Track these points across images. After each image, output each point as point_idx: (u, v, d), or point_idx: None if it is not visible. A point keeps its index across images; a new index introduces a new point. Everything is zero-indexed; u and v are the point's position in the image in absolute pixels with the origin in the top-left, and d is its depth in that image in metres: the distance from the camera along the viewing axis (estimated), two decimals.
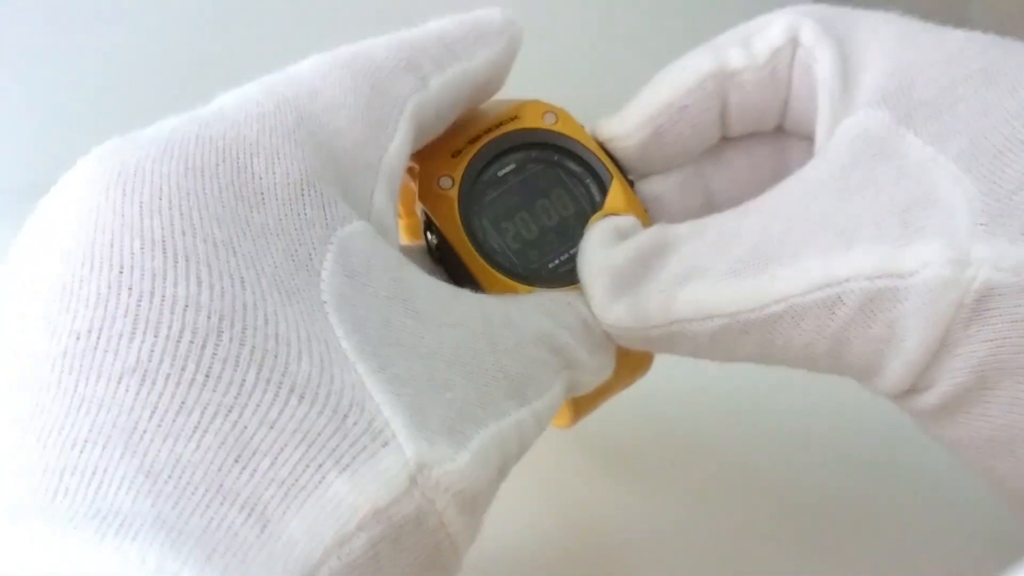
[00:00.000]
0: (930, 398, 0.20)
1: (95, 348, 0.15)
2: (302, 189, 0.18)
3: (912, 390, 0.20)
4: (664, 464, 0.29)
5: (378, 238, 0.19)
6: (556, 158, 0.24)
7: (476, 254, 0.22)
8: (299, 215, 0.18)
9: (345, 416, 0.15)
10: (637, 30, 0.63)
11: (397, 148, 0.20)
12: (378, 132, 0.20)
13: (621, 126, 0.24)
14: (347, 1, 0.56)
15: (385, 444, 0.15)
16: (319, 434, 0.15)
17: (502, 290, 0.22)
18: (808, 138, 0.25)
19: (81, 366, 0.15)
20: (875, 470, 0.28)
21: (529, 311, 0.20)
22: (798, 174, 0.22)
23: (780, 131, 0.25)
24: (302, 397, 0.15)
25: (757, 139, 0.25)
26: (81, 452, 0.14)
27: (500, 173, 0.24)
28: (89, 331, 0.15)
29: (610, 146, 0.24)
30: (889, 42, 0.22)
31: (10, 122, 0.52)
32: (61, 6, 0.51)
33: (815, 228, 0.20)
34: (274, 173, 0.18)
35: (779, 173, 0.25)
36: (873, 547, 0.25)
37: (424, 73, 0.21)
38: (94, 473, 0.13)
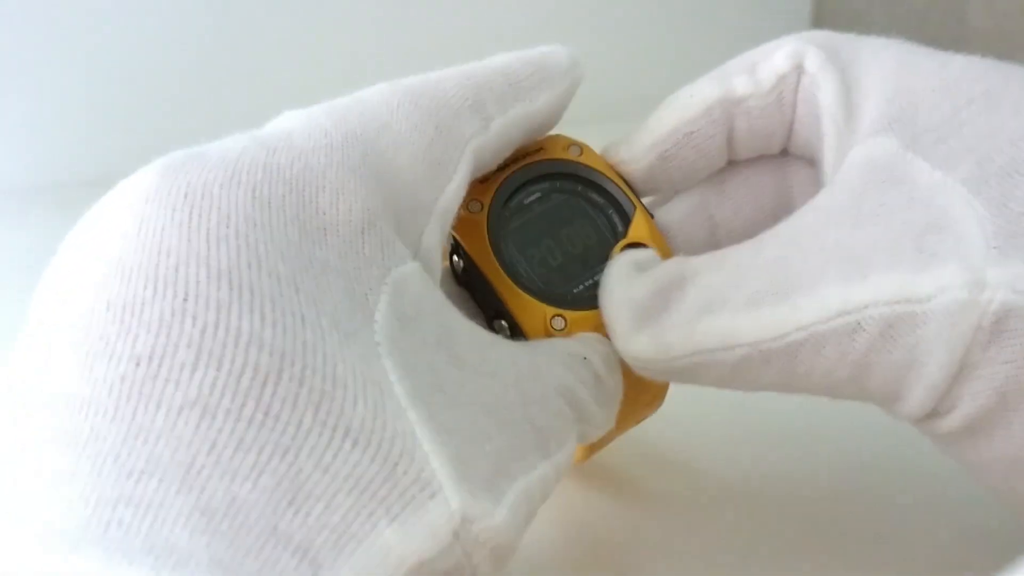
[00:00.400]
0: (952, 421, 0.20)
1: (155, 376, 0.14)
2: (363, 227, 0.18)
3: (934, 413, 0.20)
4: (667, 478, 0.29)
5: (428, 280, 0.19)
6: (580, 188, 0.24)
7: (504, 274, 0.23)
8: (358, 253, 0.18)
9: (396, 464, 0.15)
10: (648, 51, 0.63)
11: (454, 190, 0.21)
12: (437, 173, 0.20)
13: (629, 151, 0.24)
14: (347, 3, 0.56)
15: (432, 496, 0.15)
16: (371, 481, 0.15)
17: (528, 310, 0.22)
18: (811, 161, 0.25)
19: (140, 393, 0.14)
20: (883, 485, 0.28)
21: (552, 362, 0.21)
22: (811, 203, 0.22)
23: (783, 155, 0.26)
24: (356, 442, 0.15)
25: (758, 170, 0.26)
26: (137, 483, 0.13)
27: (526, 201, 0.24)
28: (150, 357, 0.14)
29: (619, 169, 0.25)
30: (890, 68, 0.23)
31: (10, 122, 0.52)
32: (61, 6, 0.51)
33: (832, 256, 0.20)
34: (338, 209, 0.18)
35: (782, 201, 0.26)
36: (879, 555, 0.25)
37: (488, 113, 0.21)
38: (149, 506, 0.13)
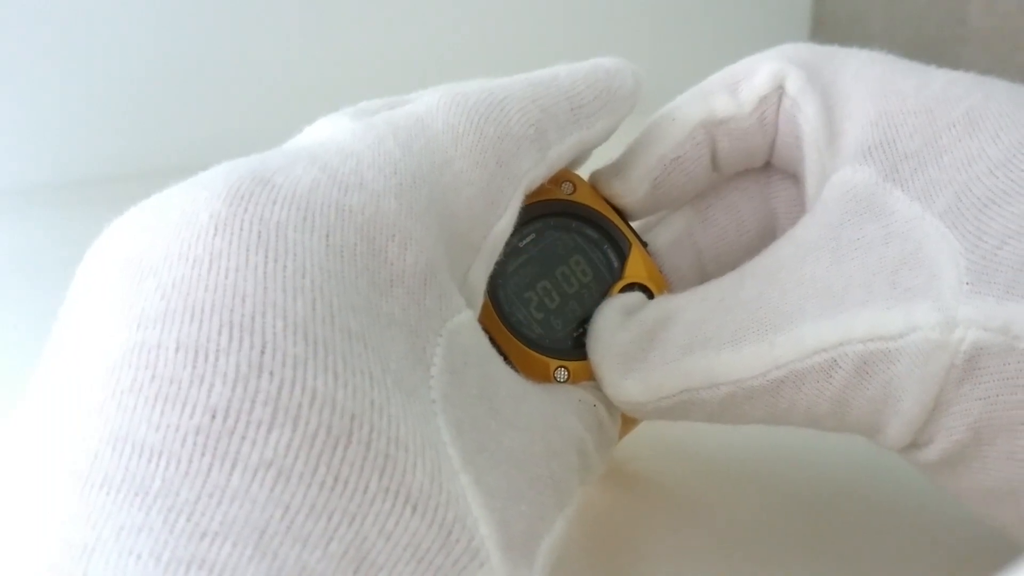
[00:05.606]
0: (930, 453, 0.20)
1: (232, 432, 0.14)
2: (426, 278, 0.18)
3: (913, 445, 0.21)
4: (675, 468, 0.29)
5: (477, 328, 0.19)
6: (574, 225, 0.24)
7: (503, 326, 0.23)
8: (420, 306, 0.17)
9: (450, 532, 0.15)
10: (648, 51, 0.63)
11: (503, 227, 0.20)
12: (491, 210, 0.20)
13: (623, 184, 0.24)
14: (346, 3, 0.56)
15: (481, 566, 0.15)
16: (427, 550, 0.15)
17: (530, 363, 0.23)
18: (795, 177, 0.25)
19: (216, 449, 0.14)
20: (895, 473, 0.28)
21: (568, 411, 0.21)
22: (791, 234, 0.22)
23: (768, 171, 0.26)
24: (415, 509, 0.15)
25: (741, 195, 0.26)
26: (210, 545, 0.13)
27: (521, 244, 0.24)
28: (227, 411, 0.14)
29: (614, 202, 0.25)
30: (872, 88, 0.23)
31: (10, 122, 0.52)
32: (61, 7, 0.51)
33: (808, 292, 0.21)
34: (405, 259, 0.17)
35: (766, 222, 0.26)
36: (878, 549, 0.25)
37: (547, 142, 0.21)
38: (223, 571, 0.13)
